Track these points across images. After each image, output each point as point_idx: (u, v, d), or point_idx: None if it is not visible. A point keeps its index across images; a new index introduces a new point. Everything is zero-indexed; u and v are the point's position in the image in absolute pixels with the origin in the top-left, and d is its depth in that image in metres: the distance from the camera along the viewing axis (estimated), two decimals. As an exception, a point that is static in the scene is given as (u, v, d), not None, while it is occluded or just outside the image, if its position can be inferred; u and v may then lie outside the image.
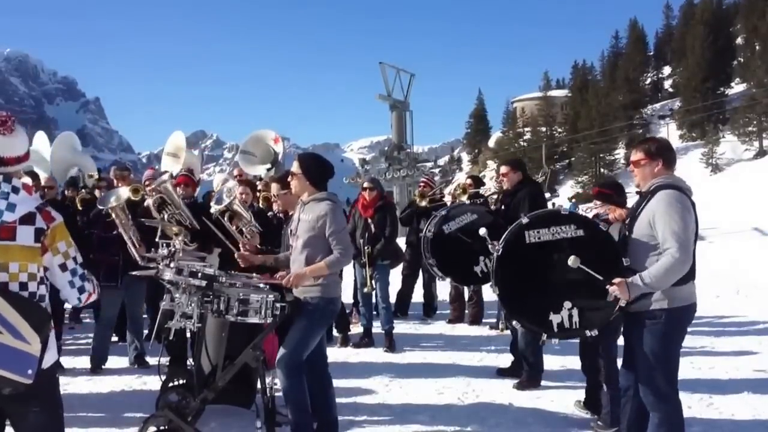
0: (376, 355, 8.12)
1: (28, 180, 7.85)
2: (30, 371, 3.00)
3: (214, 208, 6.76)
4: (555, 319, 4.48)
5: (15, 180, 3.18)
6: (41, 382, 3.08)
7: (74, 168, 10.85)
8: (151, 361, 7.32)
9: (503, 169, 7.17)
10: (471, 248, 6.84)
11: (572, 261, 4.28)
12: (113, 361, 7.60)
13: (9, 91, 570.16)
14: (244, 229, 6.62)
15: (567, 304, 4.47)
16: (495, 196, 8.35)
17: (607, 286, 4.22)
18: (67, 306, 9.24)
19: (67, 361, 7.35)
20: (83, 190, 8.88)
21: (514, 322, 4.73)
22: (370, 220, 8.42)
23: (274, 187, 6.14)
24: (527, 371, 6.61)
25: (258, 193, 8.19)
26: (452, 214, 7.31)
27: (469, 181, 9.81)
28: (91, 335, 7.63)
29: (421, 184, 11.04)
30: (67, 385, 6.61)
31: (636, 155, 4.40)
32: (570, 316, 4.48)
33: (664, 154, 4.35)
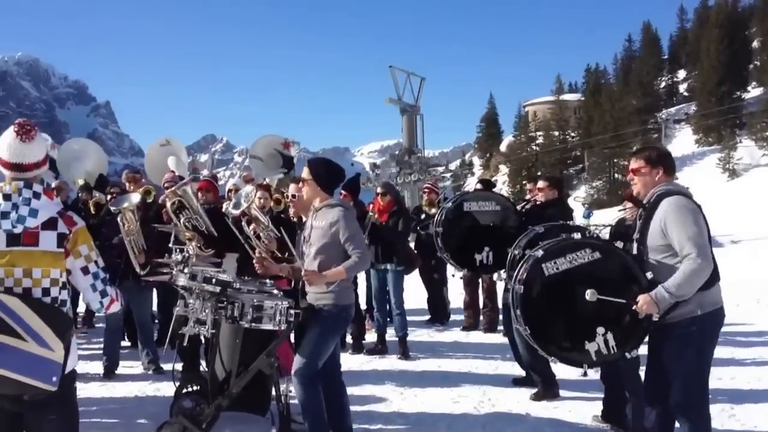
0: (390, 362, 8.04)
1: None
2: (54, 378, 3.01)
3: (231, 213, 6.70)
4: (591, 347, 4.37)
5: (36, 185, 3.19)
6: (61, 389, 3.08)
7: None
8: (165, 366, 7.26)
9: (541, 183, 7.24)
10: (481, 235, 6.78)
11: (590, 295, 4.22)
12: (127, 367, 7.55)
13: (20, 94, 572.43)
14: (261, 234, 6.57)
15: (600, 330, 4.35)
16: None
17: (634, 307, 4.15)
18: (80, 310, 9.21)
19: (80, 366, 7.22)
20: (96, 195, 8.84)
21: (552, 360, 4.58)
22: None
23: (292, 188, 6.07)
24: (540, 382, 6.53)
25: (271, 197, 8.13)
26: (478, 197, 7.25)
27: (479, 186, 9.76)
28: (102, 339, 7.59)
29: (426, 190, 11.00)
30: (81, 391, 6.51)
31: (636, 163, 4.37)
32: (606, 342, 4.36)
33: (665, 162, 4.33)
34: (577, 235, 4.69)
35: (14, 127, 3.20)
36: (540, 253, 4.51)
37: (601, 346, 4.35)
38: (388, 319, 8.78)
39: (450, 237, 7.13)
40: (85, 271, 3.26)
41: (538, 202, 7.15)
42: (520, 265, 4.83)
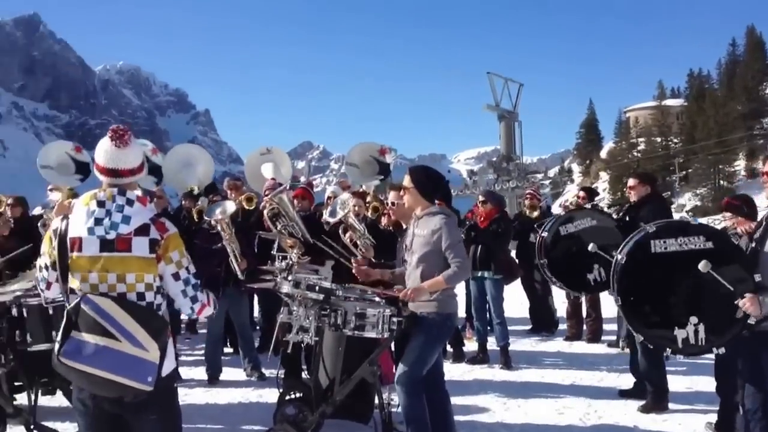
0: (491, 372, 7.92)
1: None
2: (150, 378, 3.04)
3: (328, 220, 6.74)
4: (680, 334, 4.35)
5: (129, 192, 3.23)
6: (159, 390, 3.12)
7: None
8: (267, 373, 7.35)
9: (631, 181, 6.97)
10: (587, 254, 6.59)
11: (703, 265, 4.09)
12: (230, 373, 7.66)
13: (122, 103, 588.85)
14: (358, 241, 6.59)
15: (693, 319, 4.32)
16: (612, 207, 8.09)
17: (737, 301, 4.02)
18: (184, 317, 9.41)
19: (184, 372, 7.44)
20: (200, 202, 9.02)
21: (636, 337, 4.52)
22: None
23: (393, 195, 6.05)
24: (651, 393, 6.27)
25: (368, 204, 8.14)
26: (573, 217, 7.09)
27: (582, 194, 9.53)
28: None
29: (528, 196, 10.84)
30: (185, 396, 6.71)
31: None
32: (696, 332, 4.34)
33: None
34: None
35: (109, 133, 3.26)
36: (652, 229, 4.50)
37: (690, 335, 4.33)
38: (489, 328, 8.66)
39: (557, 265, 7.00)
40: (176, 277, 3.28)
41: (632, 202, 6.91)
42: (630, 236, 4.80)
